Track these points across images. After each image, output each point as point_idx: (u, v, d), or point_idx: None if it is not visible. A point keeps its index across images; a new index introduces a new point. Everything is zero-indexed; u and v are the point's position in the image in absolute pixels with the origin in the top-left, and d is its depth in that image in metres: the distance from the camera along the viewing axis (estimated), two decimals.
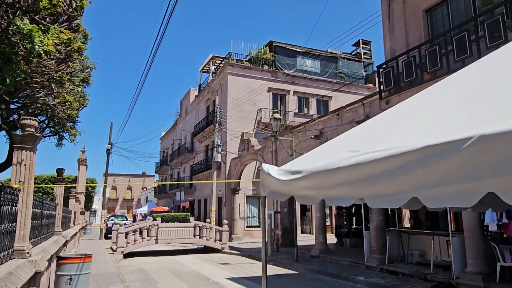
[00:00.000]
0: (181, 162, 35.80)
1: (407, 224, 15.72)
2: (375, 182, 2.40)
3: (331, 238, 20.16)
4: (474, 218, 8.58)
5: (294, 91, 26.95)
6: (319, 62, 28.43)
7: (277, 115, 14.41)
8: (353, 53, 31.38)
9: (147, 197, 63.65)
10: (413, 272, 10.02)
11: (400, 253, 11.53)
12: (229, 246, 18.57)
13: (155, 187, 52.36)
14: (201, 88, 32.63)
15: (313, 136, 14.54)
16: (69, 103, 7.82)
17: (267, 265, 12.74)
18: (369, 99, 12.08)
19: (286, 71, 26.76)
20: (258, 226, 24.41)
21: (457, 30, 7.68)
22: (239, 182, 23.37)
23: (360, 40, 30.88)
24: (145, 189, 72.90)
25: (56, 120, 8.91)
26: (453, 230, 11.94)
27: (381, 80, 9.74)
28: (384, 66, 9.66)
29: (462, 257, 8.95)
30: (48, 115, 9.11)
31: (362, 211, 20.25)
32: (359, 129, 3.45)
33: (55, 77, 6.22)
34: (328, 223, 27.00)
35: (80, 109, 10.22)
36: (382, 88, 9.60)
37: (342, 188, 2.66)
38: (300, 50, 27.86)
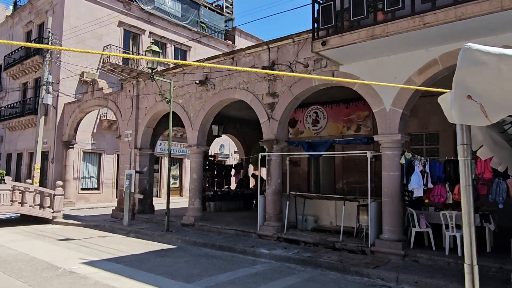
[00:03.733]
0: None
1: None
2: None
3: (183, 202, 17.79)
4: (396, 182, 8.03)
5: (150, 32, 22.87)
6: (180, 5, 24.93)
7: (155, 48, 11.04)
8: (214, 4, 29.00)
9: None
10: (317, 241, 9.07)
11: (292, 220, 10.51)
12: (62, 215, 14.28)
13: None
14: (18, 6, 24.41)
15: (197, 82, 11.88)
16: None
17: (128, 238, 9.63)
18: (277, 43, 10.26)
19: (142, 6, 22.33)
20: (97, 188, 20.18)
21: None
22: (74, 134, 18.45)
23: None
24: None
25: None
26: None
27: (315, 16, 8.01)
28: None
29: (377, 224, 8.39)
30: None
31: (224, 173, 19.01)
32: None
33: None
34: (176, 185, 24.87)
35: None
36: (317, 26, 7.89)
37: None
38: None
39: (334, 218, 10.24)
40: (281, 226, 9.98)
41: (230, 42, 28.41)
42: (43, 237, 11.08)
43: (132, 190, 12.60)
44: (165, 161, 23.53)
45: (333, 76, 9.10)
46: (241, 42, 28.23)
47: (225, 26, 28.59)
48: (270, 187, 10.07)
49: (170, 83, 11.69)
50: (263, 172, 22.95)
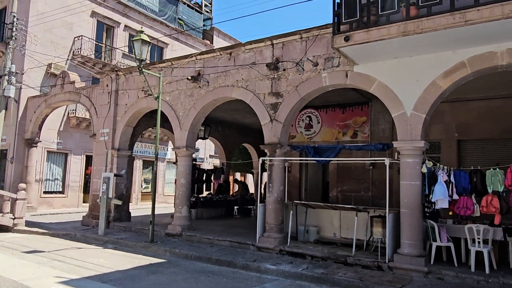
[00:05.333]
0: None
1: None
2: None
3: (157, 208, 16.38)
4: (417, 192, 7.44)
5: (126, 26, 21.40)
6: None
7: (145, 37, 9.88)
8: (192, 2, 27.85)
9: None
10: (326, 254, 8.30)
11: (292, 230, 9.67)
12: (25, 221, 12.61)
13: None
14: None
15: (189, 77, 10.83)
16: None
17: (106, 249, 8.39)
18: (282, 39, 9.47)
19: None
20: (61, 192, 18.35)
21: None
22: (38, 132, 16.64)
23: None
24: None
25: None
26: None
27: (335, 9, 7.30)
28: None
29: (395, 237, 7.76)
30: None
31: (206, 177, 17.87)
32: None
33: None
34: (149, 190, 23.40)
35: None
36: (338, 20, 7.18)
37: None
38: None
39: (338, 230, 9.55)
40: (283, 237, 9.14)
41: (208, 42, 27.37)
42: (4, 248, 9.53)
43: (110, 195, 11.26)
44: (137, 164, 22.00)
45: (347, 76, 8.45)
46: (219, 43, 27.27)
47: (203, 25, 27.52)
48: (272, 195, 9.21)
49: (160, 77, 10.56)
50: (248, 179, 21.86)
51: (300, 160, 10.28)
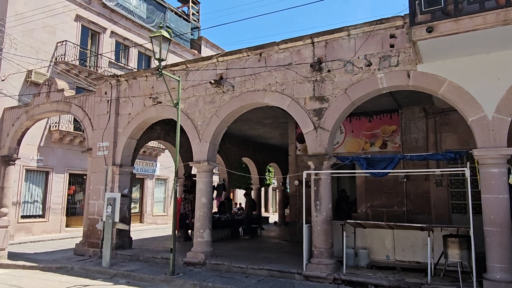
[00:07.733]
0: None
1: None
2: None
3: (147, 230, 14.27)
4: (506, 207, 6.46)
5: (112, 32, 19.73)
6: (146, 6, 22.15)
7: (165, 33, 8.50)
8: (179, 10, 26.56)
9: None
10: (393, 283, 7.09)
11: (337, 254, 8.43)
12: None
13: None
14: None
15: (212, 81, 9.50)
16: None
17: (118, 285, 6.62)
18: (325, 36, 8.41)
19: (104, 0, 19.23)
20: (41, 216, 16.15)
21: None
22: (17, 147, 14.51)
23: None
24: None
25: None
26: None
27: None
28: None
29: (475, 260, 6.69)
30: None
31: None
32: None
33: None
34: (136, 210, 21.46)
35: None
36: (417, 8, 6.20)
37: None
38: None
39: (392, 251, 8.39)
40: (335, 264, 7.87)
41: (196, 52, 26.05)
42: None
43: (116, 219, 9.57)
44: None
45: (409, 77, 7.46)
46: (207, 52, 26.03)
47: (191, 34, 26.23)
48: (320, 214, 7.95)
49: (179, 81, 9.17)
50: (237, 194, 20.43)
51: (349, 173, 9.11)
